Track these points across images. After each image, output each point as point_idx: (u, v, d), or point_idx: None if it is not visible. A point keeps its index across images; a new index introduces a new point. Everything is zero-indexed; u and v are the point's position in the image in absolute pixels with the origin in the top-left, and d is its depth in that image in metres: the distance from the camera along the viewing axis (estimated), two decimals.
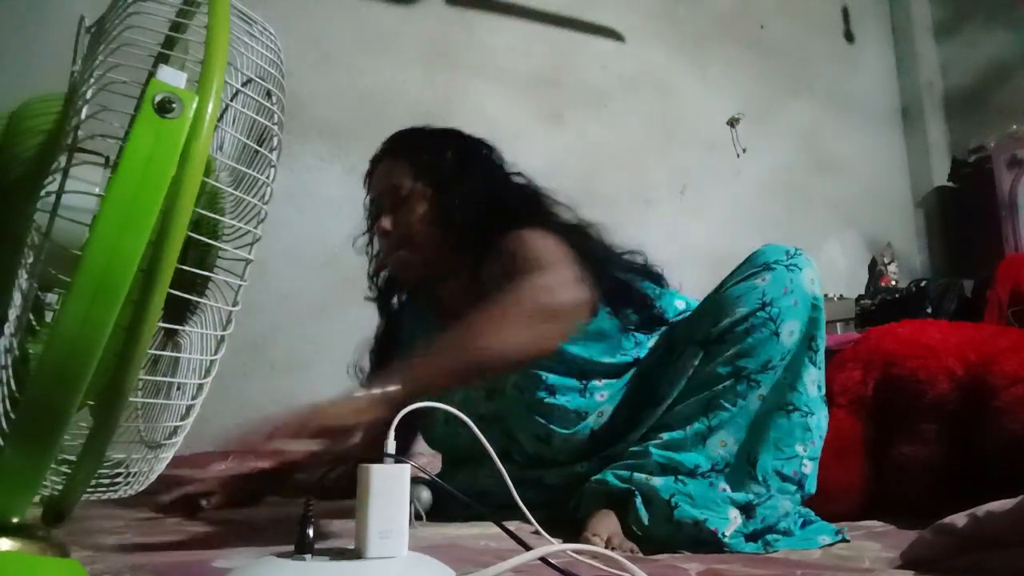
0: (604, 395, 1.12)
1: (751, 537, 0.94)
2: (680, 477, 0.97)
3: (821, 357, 1.03)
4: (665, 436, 1.00)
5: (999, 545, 0.71)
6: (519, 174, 1.28)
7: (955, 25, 4.00)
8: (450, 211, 1.16)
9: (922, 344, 1.23)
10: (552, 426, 1.12)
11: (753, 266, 1.03)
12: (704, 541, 0.91)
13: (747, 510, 0.95)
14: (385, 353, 1.27)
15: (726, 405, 0.98)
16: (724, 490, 0.97)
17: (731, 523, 0.93)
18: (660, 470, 0.98)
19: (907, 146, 4.05)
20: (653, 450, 0.99)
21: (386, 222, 1.18)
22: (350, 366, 1.26)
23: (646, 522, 0.94)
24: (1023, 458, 1.03)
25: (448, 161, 1.21)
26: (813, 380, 1.01)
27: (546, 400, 1.11)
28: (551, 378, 1.11)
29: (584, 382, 1.12)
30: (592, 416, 1.12)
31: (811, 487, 1.01)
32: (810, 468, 1.00)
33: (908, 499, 1.14)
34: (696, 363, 1.02)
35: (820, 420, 1.02)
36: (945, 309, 2.39)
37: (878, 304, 2.72)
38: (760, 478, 0.97)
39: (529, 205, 1.21)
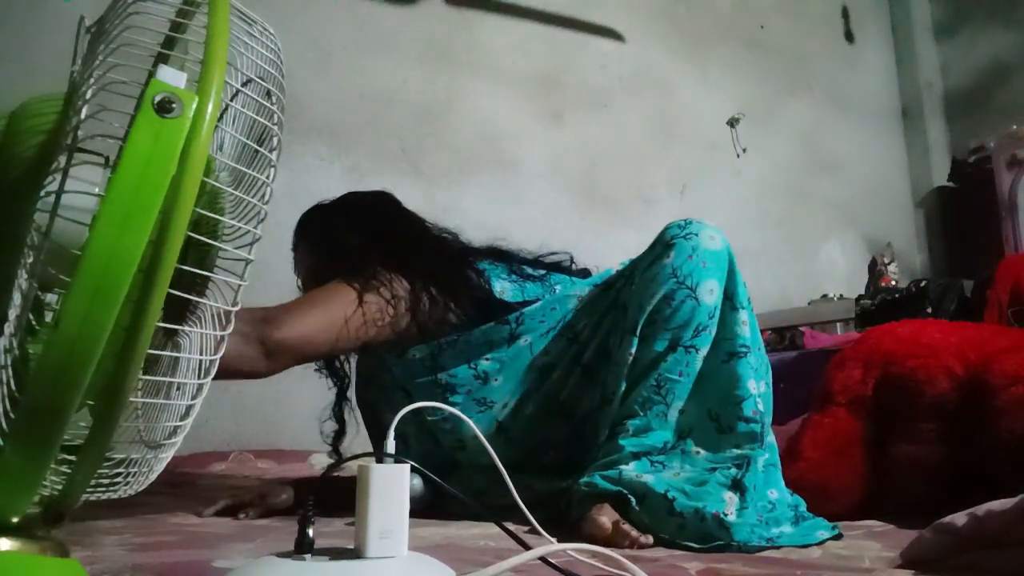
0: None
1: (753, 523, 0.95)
2: (655, 459, 1.01)
3: (743, 299, 1.09)
4: (630, 425, 1.04)
5: (999, 545, 0.71)
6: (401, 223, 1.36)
7: (955, 25, 4.00)
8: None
9: (922, 343, 1.23)
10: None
11: (657, 248, 1.10)
12: (710, 531, 0.92)
13: (737, 487, 0.97)
14: (344, 414, 1.34)
15: (674, 377, 1.04)
16: (698, 453, 1.02)
17: (728, 504, 0.95)
18: (633, 458, 1.01)
19: (907, 146, 4.05)
20: (623, 443, 1.03)
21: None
22: (320, 431, 1.33)
23: (647, 521, 0.95)
24: (1023, 458, 1.03)
25: (333, 238, 1.32)
26: (742, 321, 1.07)
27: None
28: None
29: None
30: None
31: (769, 425, 1.05)
32: (763, 405, 1.05)
33: (908, 499, 1.14)
34: (633, 350, 1.07)
35: (757, 356, 1.08)
36: (945, 309, 2.38)
37: (878, 304, 2.72)
38: (727, 428, 1.02)
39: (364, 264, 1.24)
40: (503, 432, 1.18)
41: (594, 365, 1.16)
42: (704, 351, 1.05)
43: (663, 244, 1.09)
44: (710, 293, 1.05)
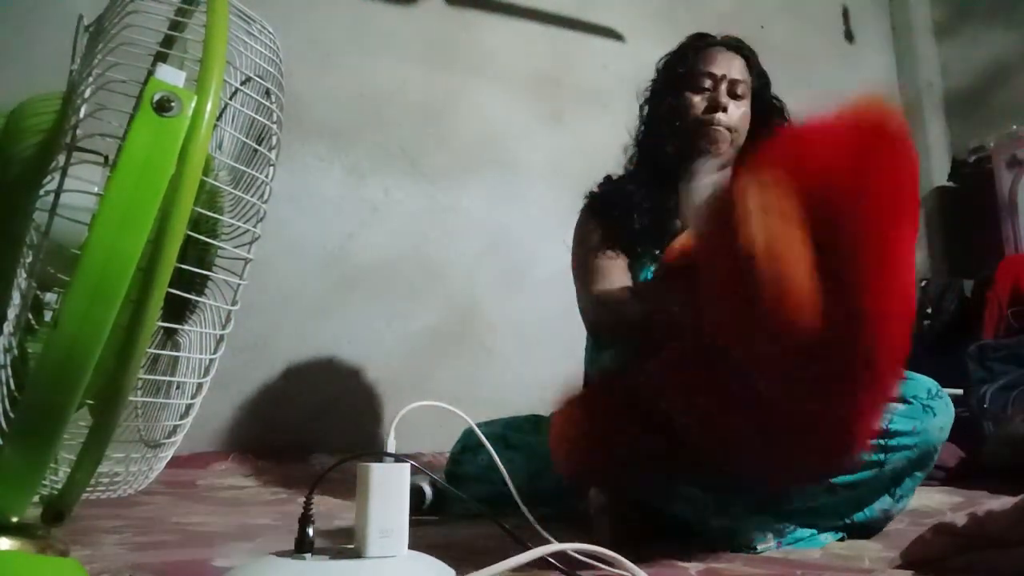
0: None
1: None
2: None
3: (903, 494, 1.01)
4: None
5: (999, 545, 0.71)
6: None
7: (955, 25, 4.00)
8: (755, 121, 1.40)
9: None
10: None
11: None
12: (733, 545, 0.93)
13: (779, 534, 0.96)
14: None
15: (795, 505, 0.98)
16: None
17: (765, 541, 0.94)
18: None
19: None
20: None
21: (729, 104, 1.40)
22: None
23: (687, 514, 0.95)
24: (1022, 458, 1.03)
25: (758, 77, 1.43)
26: (884, 507, 1.00)
27: None
28: None
29: None
30: None
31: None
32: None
33: None
34: None
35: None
36: (945, 309, 2.39)
37: None
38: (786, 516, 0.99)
39: None
40: None
41: None
42: (838, 501, 0.98)
43: (901, 396, 1.00)
44: (892, 471, 0.98)
